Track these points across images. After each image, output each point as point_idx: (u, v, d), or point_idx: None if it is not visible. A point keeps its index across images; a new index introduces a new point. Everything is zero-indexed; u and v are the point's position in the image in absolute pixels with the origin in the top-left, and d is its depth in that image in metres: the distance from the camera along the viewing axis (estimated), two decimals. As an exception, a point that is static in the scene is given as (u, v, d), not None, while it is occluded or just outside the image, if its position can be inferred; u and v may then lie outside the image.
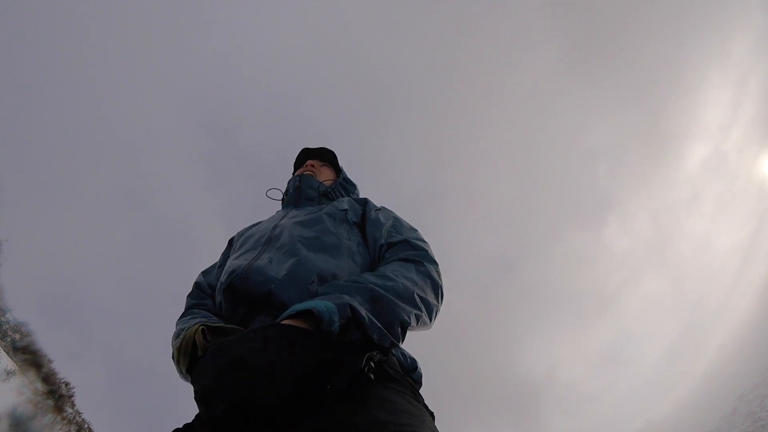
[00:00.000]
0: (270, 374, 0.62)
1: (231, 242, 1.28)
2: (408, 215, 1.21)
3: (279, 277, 0.92)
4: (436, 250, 1.09)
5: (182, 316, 1.06)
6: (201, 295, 1.13)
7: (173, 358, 0.93)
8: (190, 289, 1.19)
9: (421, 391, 0.89)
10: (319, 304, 0.72)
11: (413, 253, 1.02)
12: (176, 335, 0.95)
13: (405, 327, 0.83)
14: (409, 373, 0.91)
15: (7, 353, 19.21)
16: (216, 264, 1.24)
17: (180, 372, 0.92)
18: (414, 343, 0.97)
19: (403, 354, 0.94)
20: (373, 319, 0.76)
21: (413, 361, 0.95)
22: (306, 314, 0.72)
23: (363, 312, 0.75)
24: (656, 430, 30.11)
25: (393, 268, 0.94)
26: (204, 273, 1.22)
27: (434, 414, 0.82)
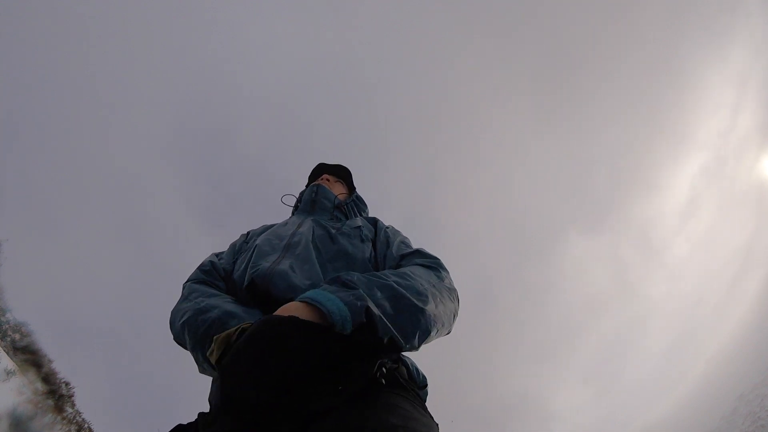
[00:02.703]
0: (289, 365, 0.64)
1: (246, 236, 1.28)
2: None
3: (303, 287, 0.93)
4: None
5: (195, 281, 1.05)
6: (216, 274, 1.11)
7: (195, 339, 0.88)
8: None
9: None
10: (331, 303, 0.71)
11: (427, 260, 1.06)
12: (202, 310, 0.90)
13: (423, 332, 0.82)
14: (419, 389, 0.92)
15: (7, 353, 19.22)
16: (227, 251, 1.23)
17: (202, 360, 0.88)
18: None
19: (417, 369, 0.95)
20: (387, 322, 0.75)
21: (424, 378, 0.96)
22: (316, 308, 0.71)
23: (378, 315, 0.74)
24: (656, 431, 30.11)
25: (411, 269, 0.96)
26: (217, 255, 1.21)
27: (439, 426, 0.82)
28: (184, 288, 1.07)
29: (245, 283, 1.00)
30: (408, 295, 0.82)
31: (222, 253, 1.23)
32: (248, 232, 1.30)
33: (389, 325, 0.75)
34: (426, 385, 0.96)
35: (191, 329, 0.90)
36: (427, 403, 0.92)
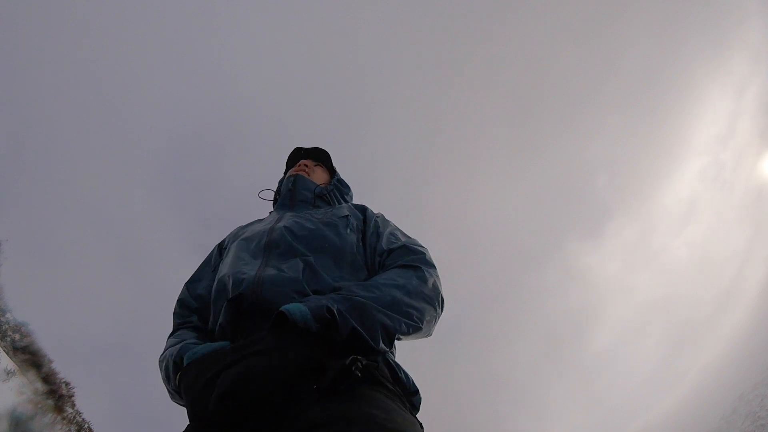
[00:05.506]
0: (252, 380, 0.69)
1: (221, 246, 1.22)
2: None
3: (292, 290, 0.91)
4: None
5: (170, 335, 1.04)
6: (185, 313, 1.08)
7: (167, 380, 0.93)
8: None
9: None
10: (293, 307, 0.75)
11: (412, 258, 1.02)
12: (163, 362, 0.95)
13: (389, 331, 0.81)
14: (409, 395, 0.90)
15: (7, 353, 19.21)
16: (201, 269, 1.18)
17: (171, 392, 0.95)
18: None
19: (406, 375, 0.93)
20: (347, 315, 0.76)
21: (414, 384, 0.94)
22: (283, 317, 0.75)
23: (338, 309, 0.76)
24: (656, 430, 30.12)
25: (387, 277, 0.94)
26: (189, 284, 1.15)
27: (423, 425, 0.82)
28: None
29: (228, 296, 0.94)
30: (371, 303, 0.82)
31: (197, 274, 1.17)
32: (222, 241, 1.24)
33: (349, 317, 0.76)
34: (417, 392, 0.93)
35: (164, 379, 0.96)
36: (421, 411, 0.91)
